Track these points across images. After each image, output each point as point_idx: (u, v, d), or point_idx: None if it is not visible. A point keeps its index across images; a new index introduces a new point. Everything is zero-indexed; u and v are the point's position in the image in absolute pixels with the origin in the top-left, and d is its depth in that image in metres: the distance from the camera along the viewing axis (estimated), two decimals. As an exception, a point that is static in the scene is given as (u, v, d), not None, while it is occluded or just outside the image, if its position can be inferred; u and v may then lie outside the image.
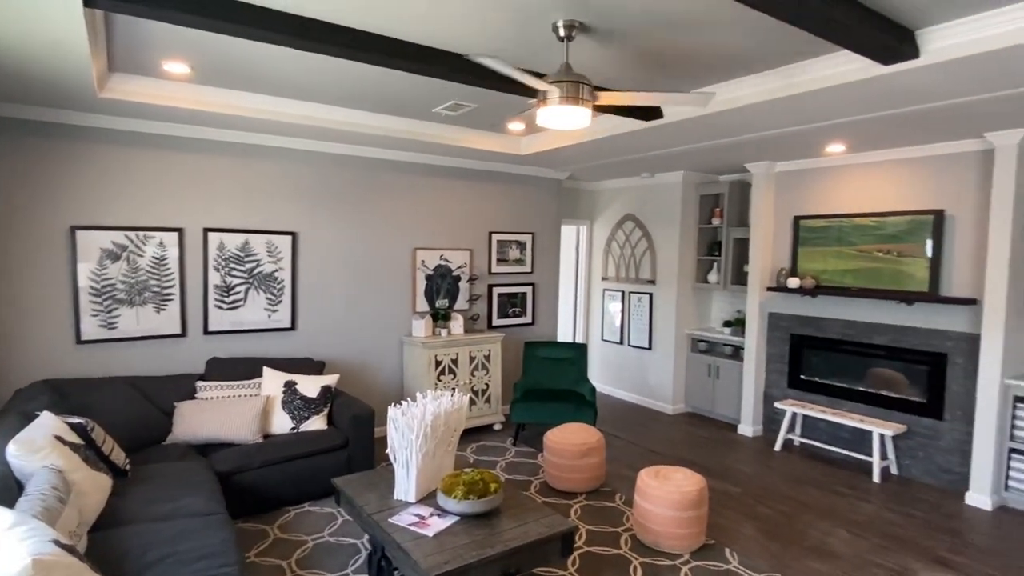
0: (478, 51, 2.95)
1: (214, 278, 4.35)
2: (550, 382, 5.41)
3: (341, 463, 3.92)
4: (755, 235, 5.45)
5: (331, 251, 4.88)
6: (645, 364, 6.52)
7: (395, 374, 5.29)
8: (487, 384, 5.38)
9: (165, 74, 3.40)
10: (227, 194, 4.38)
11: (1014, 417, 3.99)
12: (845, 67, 2.89)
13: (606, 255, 7.00)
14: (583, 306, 7.25)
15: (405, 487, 2.95)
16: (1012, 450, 3.99)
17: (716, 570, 3.12)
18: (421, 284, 5.38)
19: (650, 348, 6.45)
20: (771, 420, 5.50)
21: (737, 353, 5.86)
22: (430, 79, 3.41)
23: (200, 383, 4.00)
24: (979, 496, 4.02)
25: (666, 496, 3.24)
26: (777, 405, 5.14)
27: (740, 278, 5.85)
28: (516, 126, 4.65)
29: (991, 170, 4.07)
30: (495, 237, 5.84)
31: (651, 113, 3.83)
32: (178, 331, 4.22)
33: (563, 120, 2.64)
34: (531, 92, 3.11)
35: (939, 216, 4.31)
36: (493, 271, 5.86)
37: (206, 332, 4.33)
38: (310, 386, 4.13)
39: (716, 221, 6.02)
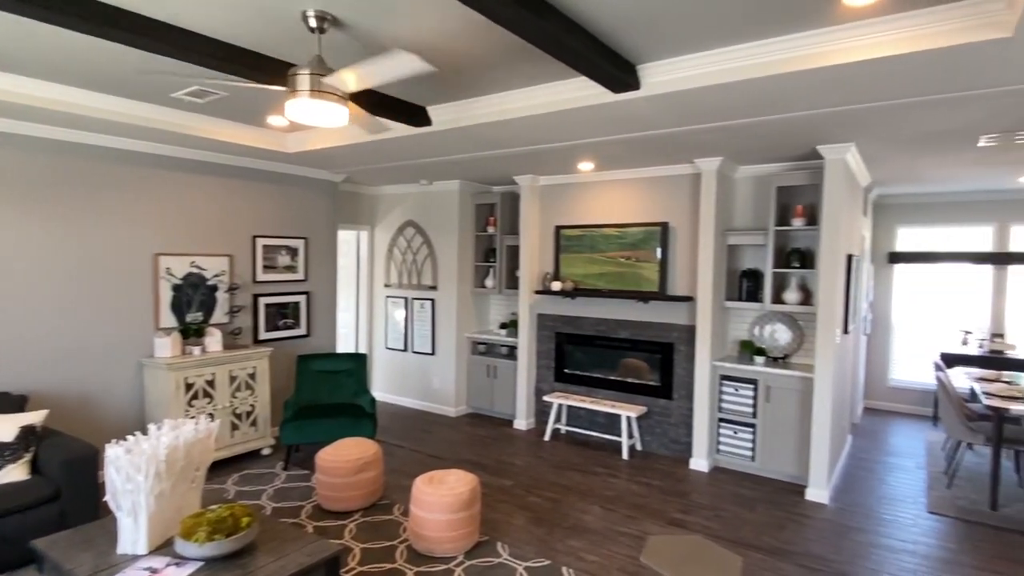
0: (223, 33, 2.63)
1: None
2: (327, 397, 5.10)
3: (51, 519, 3.17)
4: (524, 243, 5.84)
5: (39, 256, 3.94)
6: (429, 369, 6.56)
7: (133, 404, 4.47)
8: (253, 405, 4.86)
9: None
10: None
11: (721, 392, 4.88)
12: (586, 91, 3.23)
13: (388, 261, 6.88)
14: (366, 314, 7.02)
15: (133, 538, 2.48)
16: (720, 419, 4.88)
17: (488, 566, 3.22)
18: (167, 296, 4.64)
19: (433, 353, 6.50)
20: (542, 413, 5.94)
21: (512, 353, 6.21)
22: (163, 58, 2.95)
23: None
24: (699, 460, 4.84)
25: (439, 501, 3.25)
26: (545, 398, 5.57)
27: (513, 283, 6.22)
28: (278, 120, 4.29)
29: (700, 189, 4.93)
30: (260, 242, 5.32)
31: (420, 119, 3.85)
32: None
33: (316, 116, 2.47)
34: (282, 82, 2.87)
35: (665, 227, 5.09)
36: (259, 279, 5.33)
37: None
38: (2, 428, 3.26)
39: (491, 229, 6.32)
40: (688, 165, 4.96)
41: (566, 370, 5.79)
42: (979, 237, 6.50)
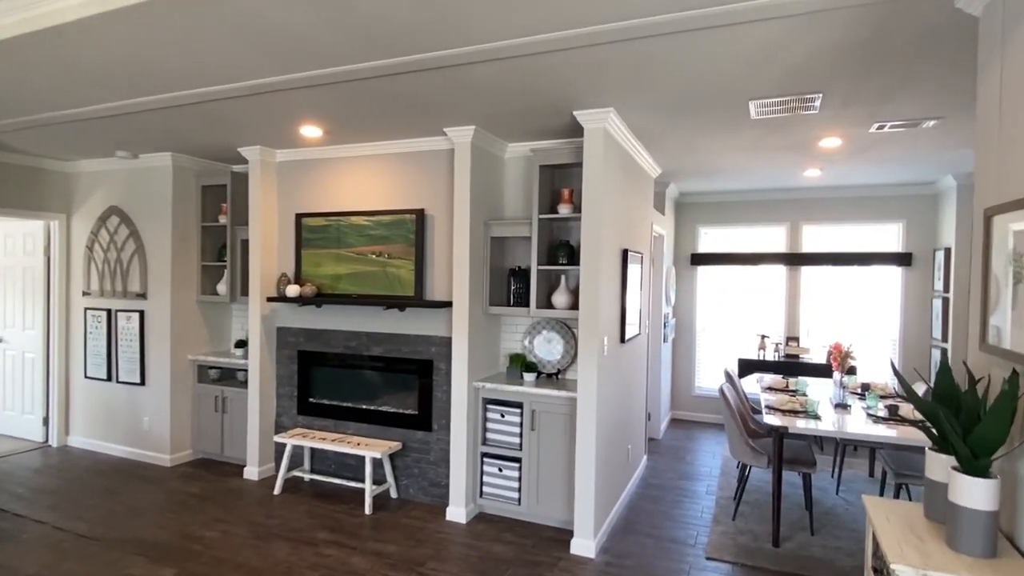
0: None
1: None
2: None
3: None
4: (254, 235, 4.51)
5: None
6: (138, 404, 4.94)
7: None
8: None
9: None
10: None
11: (486, 420, 3.92)
12: (182, -23, 2.04)
13: (88, 262, 5.16)
14: (60, 332, 5.22)
15: None
16: (485, 455, 3.91)
17: None
18: None
19: (143, 383, 4.90)
20: (283, 455, 4.61)
21: (250, 379, 4.82)
22: None
23: None
24: (456, 509, 3.82)
25: None
26: (277, 439, 4.26)
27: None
28: None
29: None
30: None
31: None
32: None
33: None
34: None
35: (420, 216, 4.06)
36: None
37: None
38: None
39: (223, 219, 4.91)
40: (444, 139, 3.97)
41: (311, 399, 4.53)
42: (775, 237, 6.30)
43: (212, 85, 3.03)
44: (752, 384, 6.07)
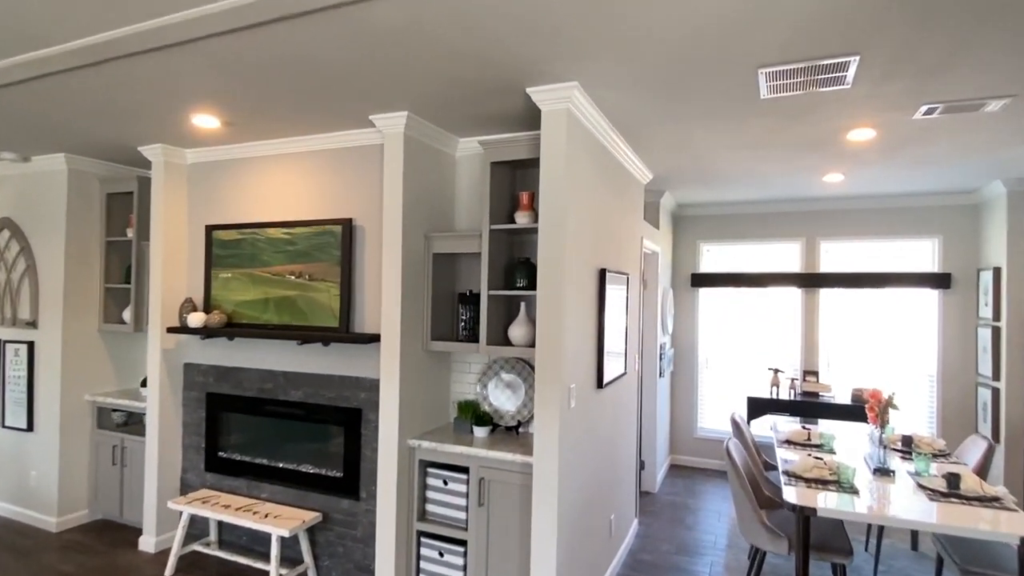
0: None
1: None
2: None
3: None
4: (156, 252, 3.72)
5: None
6: (26, 453, 4.12)
7: None
8: None
9: None
10: None
11: (426, 487, 3.07)
12: None
13: (-22, 283, 4.39)
14: (-57, 367, 4.42)
15: None
16: (422, 533, 3.05)
17: None
18: None
19: (30, 428, 4.08)
20: (179, 525, 3.76)
21: (157, 425, 3.99)
22: None
23: None
24: (384, 605, 2.95)
25: None
26: (171, 505, 3.41)
27: (161, 315, 4.04)
28: None
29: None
30: None
31: None
32: None
33: None
34: None
35: (348, 227, 3.26)
36: None
37: None
38: None
39: (131, 233, 4.13)
40: (378, 132, 3.19)
41: (221, 453, 3.70)
42: (788, 255, 5.46)
43: (36, 50, 2.26)
44: (764, 427, 5.20)
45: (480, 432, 3.08)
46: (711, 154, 3.64)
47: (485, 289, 2.90)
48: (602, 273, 3.09)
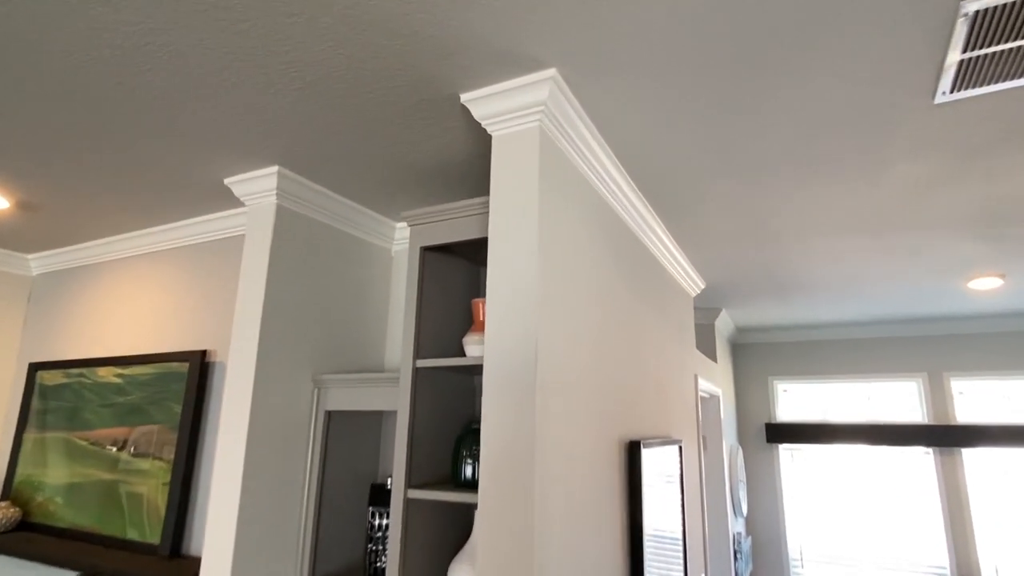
0: None
1: None
2: None
3: None
4: (-49, 402, 2.47)
5: None
6: None
7: None
8: None
9: None
10: None
11: None
12: None
13: None
14: None
15: None
16: None
17: None
18: None
19: None
20: None
21: None
22: None
23: None
24: None
25: None
26: None
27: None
28: None
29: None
30: None
31: None
32: None
33: None
34: None
35: (199, 363, 1.95)
36: None
37: None
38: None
39: (-37, 373, 2.92)
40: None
41: None
42: (903, 397, 3.85)
43: None
44: None
45: None
46: (799, 243, 2.30)
47: (400, 482, 1.47)
48: (633, 449, 1.63)
